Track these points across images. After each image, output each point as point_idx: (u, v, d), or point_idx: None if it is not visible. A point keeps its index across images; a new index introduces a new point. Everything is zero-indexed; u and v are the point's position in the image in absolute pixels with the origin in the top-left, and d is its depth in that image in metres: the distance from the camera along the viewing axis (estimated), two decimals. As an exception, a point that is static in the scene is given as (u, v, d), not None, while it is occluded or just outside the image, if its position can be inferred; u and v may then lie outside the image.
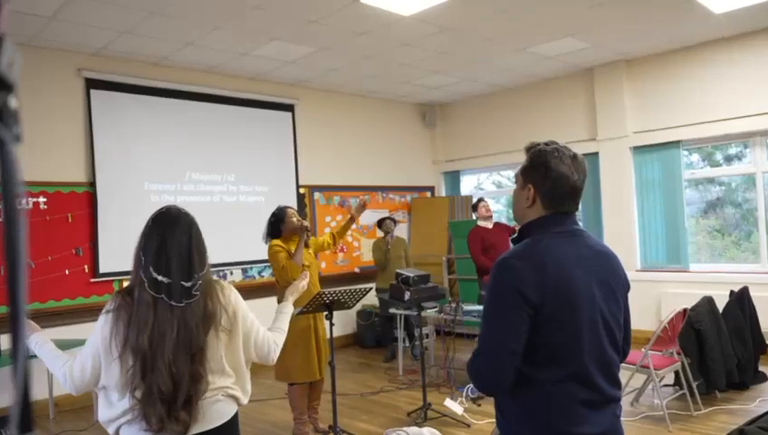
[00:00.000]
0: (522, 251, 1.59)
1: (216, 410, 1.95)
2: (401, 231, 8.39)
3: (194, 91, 6.55)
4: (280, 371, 4.28)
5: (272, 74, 6.94)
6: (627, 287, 1.70)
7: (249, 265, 6.98)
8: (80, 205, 5.74)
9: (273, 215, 4.44)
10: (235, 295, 2.08)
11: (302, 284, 2.54)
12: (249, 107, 7.04)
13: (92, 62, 5.87)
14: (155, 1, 4.67)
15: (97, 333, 1.89)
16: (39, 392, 5.19)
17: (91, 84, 5.87)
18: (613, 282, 1.63)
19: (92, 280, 5.77)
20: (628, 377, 4.53)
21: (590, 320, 1.54)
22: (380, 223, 7.16)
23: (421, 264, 7.64)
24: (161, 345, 1.83)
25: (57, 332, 5.30)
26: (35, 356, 2.02)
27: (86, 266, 5.76)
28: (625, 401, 4.65)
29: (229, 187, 6.85)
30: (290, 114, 7.45)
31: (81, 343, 4.83)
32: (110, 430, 1.92)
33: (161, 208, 2.01)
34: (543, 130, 7.81)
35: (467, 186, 9.30)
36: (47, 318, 5.39)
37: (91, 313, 5.47)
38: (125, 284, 6.07)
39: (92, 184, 5.81)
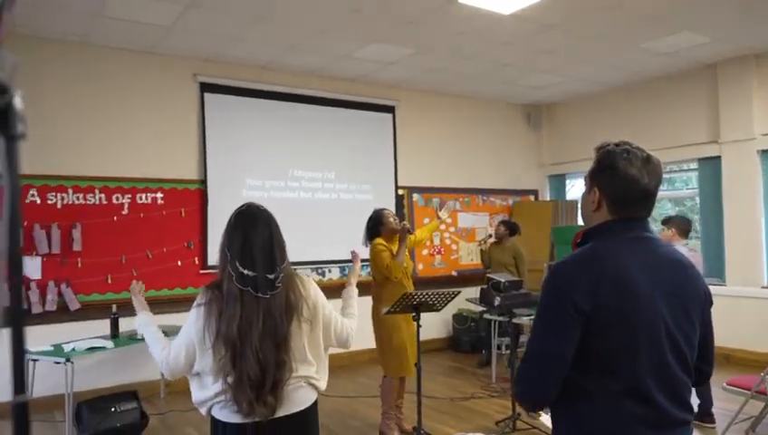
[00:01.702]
0: (578, 255, 1.53)
1: (299, 396, 2.08)
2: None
3: (297, 93, 6.84)
4: (382, 361, 4.44)
5: (372, 76, 7.09)
6: (706, 302, 1.56)
7: (347, 264, 7.16)
8: (192, 201, 6.20)
9: (371, 219, 4.58)
10: (314, 288, 2.20)
11: (358, 266, 2.80)
12: (350, 108, 7.24)
13: (206, 67, 6.31)
14: (259, 8, 4.94)
15: (191, 325, 2.05)
16: (151, 374, 5.66)
17: (205, 88, 6.31)
18: (685, 295, 1.51)
19: (201, 271, 6.19)
20: (743, 403, 4.16)
21: (651, 332, 1.44)
22: (497, 226, 7.06)
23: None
24: (249, 334, 1.97)
25: (168, 318, 5.72)
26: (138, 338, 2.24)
27: (196, 259, 6.20)
28: (738, 429, 4.28)
29: (329, 184, 7.08)
30: (390, 115, 7.57)
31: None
32: (203, 410, 2.10)
33: (242, 206, 2.15)
34: (658, 131, 7.36)
35: (574, 190, 8.95)
36: (160, 305, 5.86)
37: (198, 302, 5.88)
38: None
39: (203, 181, 6.25)
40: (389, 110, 7.56)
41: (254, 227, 2.07)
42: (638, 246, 1.52)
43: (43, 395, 4.77)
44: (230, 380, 1.97)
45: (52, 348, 4.53)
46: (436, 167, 7.99)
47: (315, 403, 2.17)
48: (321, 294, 2.22)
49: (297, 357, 2.06)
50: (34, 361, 4.35)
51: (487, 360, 6.65)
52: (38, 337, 4.84)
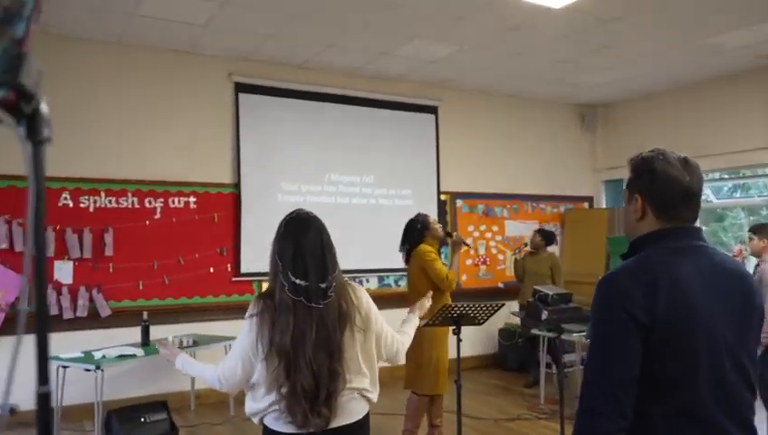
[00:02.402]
0: (629, 266, 1.52)
1: (353, 407, 2.17)
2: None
3: (335, 93, 6.94)
4: (407, 377, 4.43)
5: (414, 75, 7.14)
6: (762, 315, 1.55)
7: (386, 274, 7.21)
8: (225, 206, 6.35)
9: (418, 221, 4.54)
10: (366, 296, 2.28)
11: (428, 303, 2.84)
12: (391, 109, 7.30)
13: (241, 66, 6.47)
14: (296, 4, 5.05)
15: (244, 338, 2.14)
16: (182, 385, 5.82)
17: (240, 88, 6.47)
18: (745, 307, 1.50)
19: (234, 279, 6.34)
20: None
21: (710, 348, 1.43)
22: (533, 234, 7.05)
23: (573, 282, 7.35)
24: (302, 345, 2.04)
25: (200, 327, 5.91)
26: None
27: (229, 265, 6.34)
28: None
29: (367, 189, 7.15)
30: (432, 116, 7.60)
31: (221, 339, 5.37)
32: (255, 420, 2.20)
33: (291, 213, 2.24)
34: (727, 133, 7.17)
35: (632, 197, 8.79)
36: (192, 313, 6.04)
37: (231, 311, 6.02)
38: (264, 285, 6.61)
39: (237, 185, 6.39)
40: (432, 110, 7.59)
41: (305, 235, 2.14)
42: (692, 256, 1.51)
43: (73, 403, 4.96)
44: (284, 391, 2.05)
45: (83, 355, 4.70)
46: (482, 171, 7.97)
47: (368, 415, 2.25)
48: (372, 304, 2.29)
49: (351, 368, 2.13)
50: (65, 367, 4.54)
51: (535, 379, 6.58)
52: (69, 344, 5.04)
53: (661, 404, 1.43)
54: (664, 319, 1.42)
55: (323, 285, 2.10)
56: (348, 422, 2.14)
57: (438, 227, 4.54)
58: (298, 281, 2.07)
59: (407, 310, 4.43)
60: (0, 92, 0.65)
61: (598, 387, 1.46)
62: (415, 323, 2.65)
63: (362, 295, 2.26)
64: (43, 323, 0.65)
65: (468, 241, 5.01)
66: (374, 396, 2.25)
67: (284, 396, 2.05)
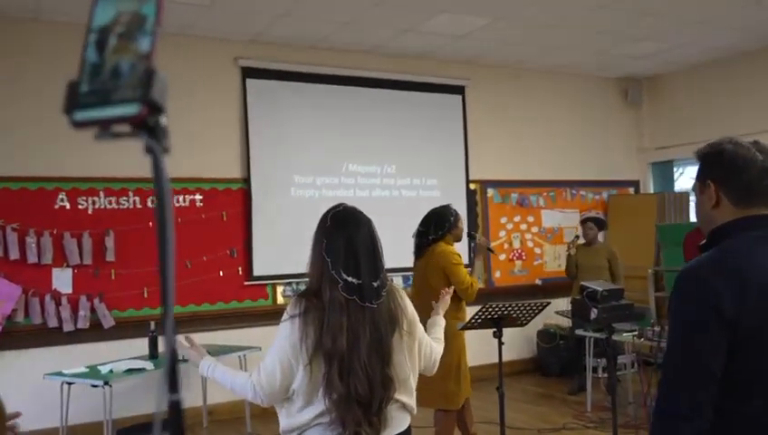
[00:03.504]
0: (712, 258, 1.58)
1: (400, 417, 2.22)
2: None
3: (353, 75, 6.98)
4: (426, 394, 4.36)
5: (439, 52, 7.15)
6: None
7: (411, 273, 7.23)
8: (234, 203, 6.42)
9: (452, 214, 4.47)
10: (408, 300, 2.34)
11: (448, 298, 2.88)
12: (413, 90, 7.32)
13: (249, 49, 6.53)
14: (310, -21, 5.08)
15: (284, 340, 2.16)
16: (193, 400, 5.91)
17: (248, 73, 6.53)
18: None
19: (246, 283, 6.41)
20: None
21: None
22: (582, 223, 7.02)
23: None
24: (357, 348, 2.08)
25: (210, 336, 5.98)
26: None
27: (240, 268, 6.42)
28: None
29: (389, 180, 7.19)
30: (459, 97, 7.61)
31: (235, 349, 5.45)
32: None
33: (336, 206, 2.28)
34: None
35: (684, 180, 8.74)
36: (201, 322, 6.12)
37: (244, 318, 6.10)
38: (279, 289, 6.67)
39: (246, 180, 6.46)
40: (459, 90, 7.60)
41: (356, 230, 2.19)
42: None
43: (78, 423, 5.06)
44: (335, 397, 2.07)
45: (87, 370, 4.80)
46: (515, 156, 7.97)
47: (410, 428, 2.30)
48: (413, 308, 2.35)
49: (399, 374, 2.18)
50: (69, 384, 4.63)
51: (580, 385, 6.60)
52: (71, 358, 5.15)
53: (747, 403, 1.49)
54: (753, 314, 1.47)
55: (376, 284, 2.14)
56: (395, 433, 2.19)
57: (463, 226, 4.57)
58: (350, 279, 2.11)
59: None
60: (134, 108, 0.73)
61: (677, 387, 1.53)
62: (442, 324, 2.69)
63: (406, 298, 2.32)
64: (169, 333, 0.73)
65: (491, 245, 4.98)
66: (415, 406, 2.29)
67: (336, 403, 2.06)
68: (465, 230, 4.74)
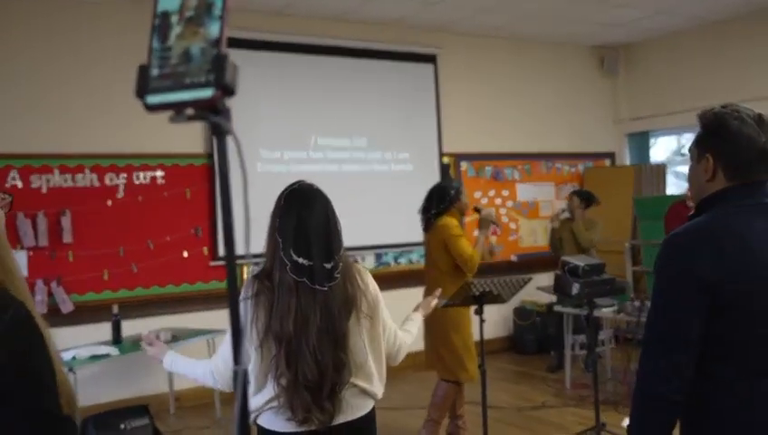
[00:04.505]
0: (695, 226, 1.67)
1: (357, 402, 2.24)
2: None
3: (319, 43, 6.96)
4: (439, 362, 4.55)
5: (410, 19, 7.15)
6: None
7: (384, 250, 7.31)
8: (198, 179, 6.39)
9: (453, 188, 4.67)
10: (373, 282, 2.36)
11: (435, 302, 2.85)
12: (383, 60, 7.33)
13: (209, 16, 6.43)
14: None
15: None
16: (159, 386, 5.92)
17: (208, 42, 6.44)
18: None
19: (212, 263, 6.40)
20: None
21: None
22: (569, 197, 7.06)
23: (598, 251, 7.52)
24: (306, 331, 2.11)
25: (176, 319, 5.98)
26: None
27: (205, 248, 6.41)
28: None
29: (359, 153, 7.22)
30: (431, 66, 7.64)
31: (200, 333, 5.47)
32: (248, 420, 2.22)
33: (293, 184, 2.29)
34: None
35: (660, 151, 8.92)
36: (166, 304, 6.12)
37: (210, 300, 6.09)
38: (245, 269, 6.68)
39: (210, 155, 6.42)
40: (430, 59, 7.63)
41: (309, 210, 2.20)
42: (764, 214, 1.65)
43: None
44: (283, 382, 2.11)
45: (48, 357, 4.76)
46: (489, 128, 8.05)
47: (374, 410, 2.32)
48: (379, 290, 2.36)
49: (356, 359, 2.20)
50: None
51: (559, 362, 6.77)
52: (29, 345, 5.09)
53: (732, 365, 1.59)
54: (733, 278, 1.57)
55: (329, 266, 2.15)
56: (352, 418, 2.21)
57: (467, 200, 4.67)
58: (300, 260, 2.12)
59: (413, 290, 4.59)
60: (208, 92, 0.78)
61: (658, 348, 1.64)
62: (419, 322, 2.70)
63: (369, 280, 2.33)
64: (234, 311, 0.86)
65: (495, 219, 5.11)
66: (379, 390, 2.31)
67: (284, 388, 2.10)
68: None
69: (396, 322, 2.51)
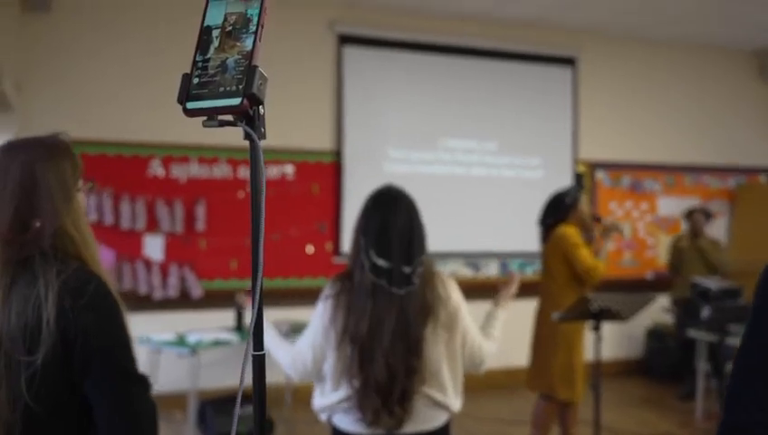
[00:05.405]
0: None
1: (430, 414, 2.30)
2: (718, 228, 7.91)
3: (453, 44, 7.09)
4: (544, 377, 4.53)
5: (548, 19, 7.13)
6: None
7: (510, 259, 7.32)
8: (325, 176, 6.70)
9: (567, 195, 4.60)
10: (457, 292, 2.41)
11: (514, 290, 2.77)
12: (518, 61, 7.35)
13: (346, 13, 6.74)
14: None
15: (317, 320, 2.33)
16: (277, 377, 6.23)
17: (344, 40, 6.75)
18: None
19: (335, 259, 6.69)
20: None
21: None
22: (690, 215, 6.90)
23: (746, 273, 7.13)
24: (379, 334, 2.19)
25: (297, 313, 6.29)
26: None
27: (329, 244, 6.70)
28: None
29: (489, 157, 7.28)
30: (569, 69, 7.56)
31: (317, 327, 5.72)
32: (323, 417, 2.39)
33: (380, 187, 2.42)
34: None
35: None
36: (287, 297, 6.45)
37: (331, 296, 6.36)
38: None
39: (338, 153, 6.71)
40: (569, 62, 7.56)
41: (392, 212, 2.30)
42: None
43: (162, 391, 5.47)
44: (355, 383, 2.21)
45: (175, 338, 5.19)
46: (630, 136, 7.87)
47: (448, 425, 2.38)
48: (463, 301, 2.41)
49: (430, 368, 2.26)
50: (156, 351, 5.02)
51: (691, 390, 6.51)
52: (159, 326, 5.56)
53: None
54: None
55: (408, 270, 2.23)
56: (423, 429, 2.27)
57: (588, 210, 4.59)
58: (380, 262, 2.21)
59: (529, 302, 4.57)
60: (236, 101, 0.93)
61: (744, 397, 1.49)
62: (501, 319, 2.64)
63: (452, 290, 2.37)
64: (259, 298, 0.96)
65: (623, 227, 4.99)
66: (454, 403, 2.35)
67: (356, 389, 2.20)
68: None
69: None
